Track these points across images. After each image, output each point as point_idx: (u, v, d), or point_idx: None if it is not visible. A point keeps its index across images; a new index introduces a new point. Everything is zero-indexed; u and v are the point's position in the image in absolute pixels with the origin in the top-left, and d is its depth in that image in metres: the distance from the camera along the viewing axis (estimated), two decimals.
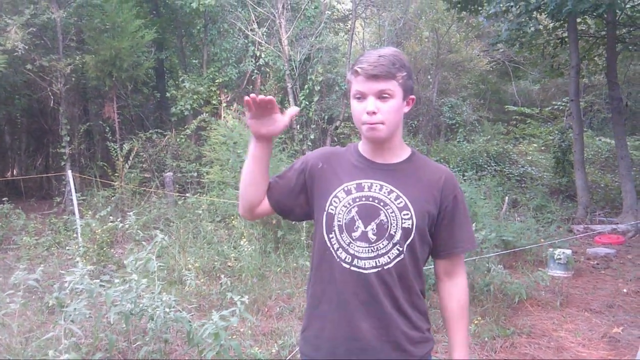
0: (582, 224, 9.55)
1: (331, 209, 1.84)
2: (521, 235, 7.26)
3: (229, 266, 6.47)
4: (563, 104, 15.92)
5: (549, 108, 17.64)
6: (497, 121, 19.00)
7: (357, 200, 1.81)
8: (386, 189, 1.81)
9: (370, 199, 1.80)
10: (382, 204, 1.79)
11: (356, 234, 1.80)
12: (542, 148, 16.18)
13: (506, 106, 18.71)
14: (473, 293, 5.42)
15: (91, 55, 10.76)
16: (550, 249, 6.66)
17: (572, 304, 5.54)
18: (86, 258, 6.41)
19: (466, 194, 7.58)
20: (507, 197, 9.48)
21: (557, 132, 13.81)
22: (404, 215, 1.78)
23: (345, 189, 1.83)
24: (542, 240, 7.30)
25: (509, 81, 19.67)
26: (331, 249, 1.84)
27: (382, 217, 1.78)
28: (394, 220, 1.78)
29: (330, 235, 1.84)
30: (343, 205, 1.82)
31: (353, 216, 1.80)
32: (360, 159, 1.90)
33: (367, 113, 1.74)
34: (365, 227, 1.79)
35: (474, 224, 6.23)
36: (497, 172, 13.45)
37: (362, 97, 1.76)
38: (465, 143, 15.93)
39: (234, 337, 4.43)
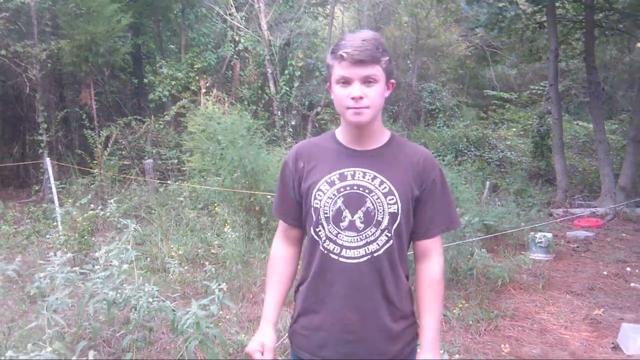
0: (562, 207, 9.67)
1: (316, 202, 1.83)
2: (502, 219, 7.32)
3: (213, 253, 6.43)
4: (541, 88, 16.04)
5: (527, 93, 17.77)
6: (476, 106, 19.09)
7: (342, 190, 1.80)
8: (369, 176, 1.80)
9: (355, 187, 1.80)
10: (367, 191, 1.79)
11: (344, 224, 1.79)
12: (521, 133, 16.32)
13: (485, 91, 18.80)
14: (457, 277, 5.46)
15: (66, 40, 10.53)
16: (532, 233, 6.73)
17: (553, 287, 5.62)
18: (67, 247, 6.31)
19: (447, 179, 7.60)
20: (487, 182, 9.55)
21: (535, 116, 13.92)
22: (390, 200, 1.78)
23: (328, 180, 1.82)
24: (523, 224, 7.38)
25: (487, 66, 19.76)
26: (319, 242, 1.84)
27: (369, 204, 1.78)
28: (380, 206, 1.78)
29: (318, 229, 1.84)
30: (328, 197, 1.81)
31: (339, 207, 1.80)
32: (340, 148, 1.88)
33: (353, 99, 1.72)
34: (353, 216, 1.79)
35: (456, 210, 6.27)
36: (477, 157, 13.54)
37: (346, 82, 1.73)
38: (445, 128, 16.00)
39: (220, 324, 4.41)
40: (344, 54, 1.71)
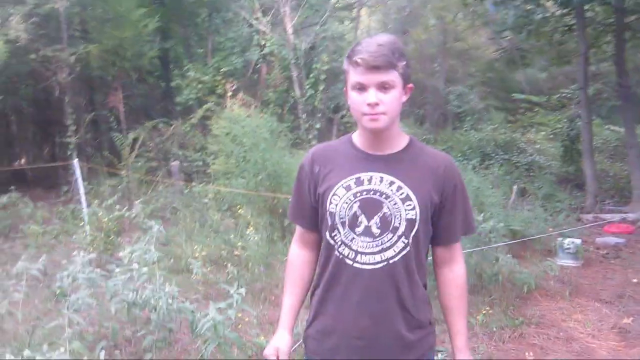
0: (591, 213, 9.46)
1: (331, 207, 1.80)
2: (529, 224, 7.17)
3: (236, 255, 6.44)
4: (571, 92, 15.72)
5: (557, 96, 17.44)
6: (505, 109, 18.81)
7: (358, 195, 1.77)
8: (387, 181, 1.77)
9: (372, 193, 1.76)
10: (384, 196, 1.75)
11: (360, 229, 1.76)
12: (551, 137, 16.02)
13: (513, 94, 18.51)
14: (481, 282, 5.36)
15: (94, 44, 10.69)
16: (560, 239, 6.58)
17: (581, 294, 5.47)
18: (93, 246, 6.41)
19: (473, 183, 7.50)
20: (515, 186, 9.38)
21: (565, 120, 13.66)
22: (407, 206, 1.74)
23: (344, 185, 1.79)
24: (551, 229, 7.22)
25: (516, 69, 19.45)
26: (335, 246, 1.81)
27: (385, 209, 1.75)
28: (397, 212, 1.74)
29: (334, 234, 1.81)
30: (344, 202, 1.77)
31: (355, 212, 1.76)
32: (357, 152, 1.85)
33: (369, 105, 1.69)
34: (369, 222, 1.76)
35: (481, 214, 6.15)
36: (505, 160, 13.32)
37: (362, 88, 1.70)
38: (473, 132, 15.79)
39: (239, 326, 4.41)
40: (359, 60, 1.68)
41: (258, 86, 15.04)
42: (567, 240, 6.42)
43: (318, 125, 13.24)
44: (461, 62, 19.18)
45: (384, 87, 1.68)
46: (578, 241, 6.49)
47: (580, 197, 10.52)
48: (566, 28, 11.58)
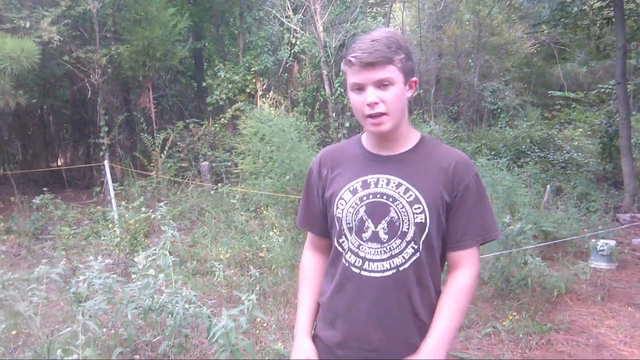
0: (629, 212, 9.12)
1: (338, 212, 1.73)
2: (562, 225, 6.95)
3: (261, 257, 6.41)
4: (610, 87, 15.25)
5: (595, 91, 16.93)
6: (542, 106, 18.35)
7: (365, 198, 1.69)
8: (394, 183, 1.68)
9: (378, 196, 1.68)
10: (391, 199, 1.66)
11: (367, 235, 1.68)
12: (589, 133, 15.55)
13: (549, 91, 18.04)
14: (509, 287, 5.20)
15: (125, 45, 10.80)
16: (593, 240, 6.34)
17: (614, 299, 5.26)
18: (119, 248, 6.46)
19: (505, 182, 7.30)
20: (548, 185, 9.11)
21: (603, 116, 13.24)
22: (416, 209, 1.64)
23: (351, 188, 1.72)
24: (585, 230, 6.98)
25: (555, 64, 18.94)
26: (342, 253, 1.73)
27: (393, 214, 1.66)
28: (405, 216, 1.65)
29: (341, 240, 1.74)
30: (350, 207, 1.70)
31: (362, 216, 1.68)
32: (364, 153, 1.77)
33: (368, 105, 1.61)
34: (376, 227, 1.67)
35: (509, 215, 5.95)
36: (540, 158, 13.00)
37: (360, 88, 1.62)
38: (508, 129, 15.46)
39: (258, 331, 4.36)
40: (352, 59, 1.61)
41: (289, 85, 15.01)
42: (600, 242, 6.18)
43: (347, 124, 13.12)
44: (497, 57, 18.79)
45: (382, 84, 1.61)
46: (612, 242, 6.25)
47: (618, 196, 10.19)
48: (605, 21, 11.20)
